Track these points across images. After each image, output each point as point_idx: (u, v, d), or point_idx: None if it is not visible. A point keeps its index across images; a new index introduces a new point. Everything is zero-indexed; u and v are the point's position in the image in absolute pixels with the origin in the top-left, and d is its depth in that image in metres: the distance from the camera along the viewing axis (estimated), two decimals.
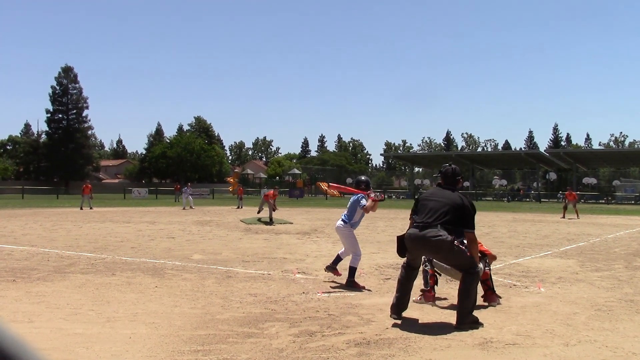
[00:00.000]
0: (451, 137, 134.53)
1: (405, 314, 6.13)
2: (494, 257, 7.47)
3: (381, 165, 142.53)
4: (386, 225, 20.71)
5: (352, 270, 8.09)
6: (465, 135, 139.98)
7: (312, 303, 6.89)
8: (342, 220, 8.41)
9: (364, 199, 8.23)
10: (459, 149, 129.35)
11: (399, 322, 5.91)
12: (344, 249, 8.58)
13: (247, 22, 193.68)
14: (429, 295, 6.95)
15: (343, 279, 8.25)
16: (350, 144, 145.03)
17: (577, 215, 28.00)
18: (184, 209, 33.72)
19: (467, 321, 5.68)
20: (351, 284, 8.00)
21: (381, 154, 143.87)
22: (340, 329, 5.62)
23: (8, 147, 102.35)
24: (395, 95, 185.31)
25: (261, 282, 8.41)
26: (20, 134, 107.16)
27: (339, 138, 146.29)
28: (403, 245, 6.21)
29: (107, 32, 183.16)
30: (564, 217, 27.90)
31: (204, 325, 5.74)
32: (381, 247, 13.35)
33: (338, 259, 8.57)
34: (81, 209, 32.40)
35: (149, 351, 4.82)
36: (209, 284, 8.17)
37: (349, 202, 8.51)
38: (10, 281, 8.29)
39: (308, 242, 14.49)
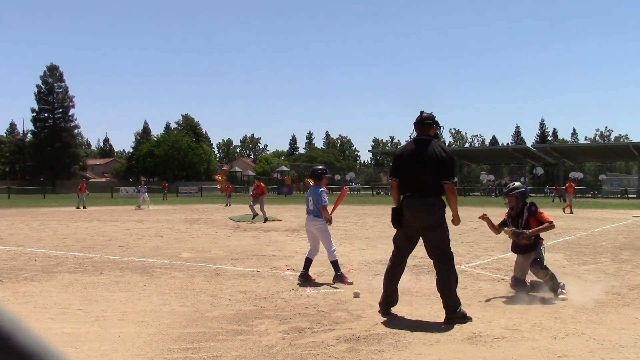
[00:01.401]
0: (440, 132, 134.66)
1: (395, 309, 6.15)
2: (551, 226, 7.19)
3: (369, 161, 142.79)
4: (375, 221, 20.74)
5: (336, 264, 8.12)
6: (453, 131, 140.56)
7: (301, 300, 6.89)
8: (314, 215, 8.30)
9: (324, 194, 8.28)
10: (447, 144, 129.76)
11: (388, 318, 5.93)
12: (311, 249, 8.41)
13: (236, 19, 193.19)
14: None
15: (326, 279, 8.25)
16: (339, 141, 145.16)
17: (571, 210, 27.57)
18: (139, 207, 32.44)
19: (455, 316, 5.70)
20: (340, 278, 8.03)
21: (369, 151, 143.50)
22: (329, 325, 5.63)
23: None
24: (383, 92, 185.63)
25: (250, 279, 8.40)
26: (6, 133, 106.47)
27: (327, 135, 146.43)
28: (399, 217, 6.11)
29: (93, 30, 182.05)
30: (571, 212, 27.15)
31: (193, 323, 5.73)
32: (370, 243, 13.37)
33: (309, 262, 8.32)
34: (78, 207, 32.41)
35: (138, 350, 4.81)
36: (198, 282, 8.15)
37: (311, 195, 8.36)
38: None
39: (297, 239, 14.50)
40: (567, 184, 30.11)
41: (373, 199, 50.97)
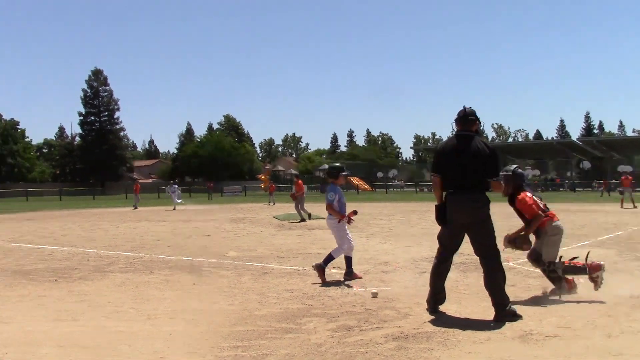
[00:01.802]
0: (481, 127, 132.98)
1: (442, 307, 6.11)
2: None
3: (411, 158, 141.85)
4: (419, 218, 20.61)
5: (329, 260, 8.10)
6: (495, 126, 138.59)
7: (348, 298, 6.91)
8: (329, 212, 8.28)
9: (331, 192, 8.21)
10: (490, 139, 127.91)
11: (436, 316, 5.89)
12: (345, 245, 8.26)
13: (275, 19, 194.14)
14: (570, 283, 6.82)
15: (372, 277, 8.24)
16: (380, 138, 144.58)
17: (633, 204, 25.84)
18: (174, 209, 31.93)
19: (505, 314, 5.62)
20: (320, 271, 8.00)
21: (411, 147, 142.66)
22: (377, 323, 5.63)
23: (44, 151, 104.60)
24: (424, 87, 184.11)
25: (297, 277, 8.45)
26: (55, 137, 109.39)
27: (368, 132, 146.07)
28: (443, 213, 6.02)
29: (136, 34, 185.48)
30: (634, 206, 25.71)
31: (242, 321, 5.80)
32: (415, 240, 13.29)
33: (348, 259, 8.24)
34: (135, 207, 33.49)
35: (190, 347, 4.90)
36: (245, 281, 8.25)
37: (327, 193, 8.32)
38: (53, 281, 8.49)
39: None
40: (623, 177, 28.86)
41: (416, 196, 50.62)
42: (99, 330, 5.52)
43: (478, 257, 6.00)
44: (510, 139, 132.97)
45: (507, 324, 5.46)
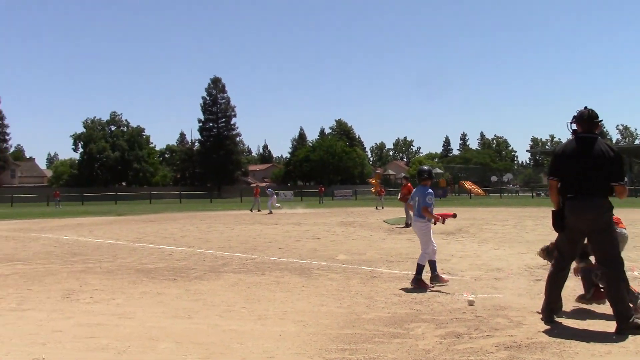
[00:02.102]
0: (604, 129, 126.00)
1: (558, 317, 5.83)
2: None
3: (527, 162, 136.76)
4: (535, 224, 19.78)
5: (420, 269, 7.92)
6: (620, 127, 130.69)
7: (458, 304, 6.75)
8: (418, 215, 8.19)
9: (430, 196, 8.11)
10: (614, 142, 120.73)
11: (551, 326, 5.62)
12: (430, 249, 8.11)
13: (385, 23, 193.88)
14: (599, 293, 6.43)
15: (483, 283, 8.00)
16: (494, 141, 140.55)
17: None
18: (270, 213, 31.93)
19: (628, 326, 5.27)
20: (418, 282, 7.84)
21: (527, 150, 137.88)
22: (488, 331, 5.46)
23: (166, 156, 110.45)
24: (541, 88, 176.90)
25: (406, 282, 8.36)
26: (177, 143, 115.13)
27: (482, 135, 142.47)
28: (560, 219, 5.76)
29: (251, 43, 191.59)
30: None
31: (350, 324, 5.82)
32: (530, 246, 12.75)
33: (432, 263, 8.09)
34: (258, 210, 34.73)
35: (298, 348, 4.97)
36: (354, 284, 8.27)
37: (418, 195, 8.23)
38: (171, 280, 8.93)
39: (453, 242, 14.21)
40: None
41: (532, 201, 48.62)
42: (213, 328, 5.74)
43: (599, 265, 5.68)
44: (637, 141, 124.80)
45: (630, 337, 5.12)
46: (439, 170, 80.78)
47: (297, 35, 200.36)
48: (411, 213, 8.41)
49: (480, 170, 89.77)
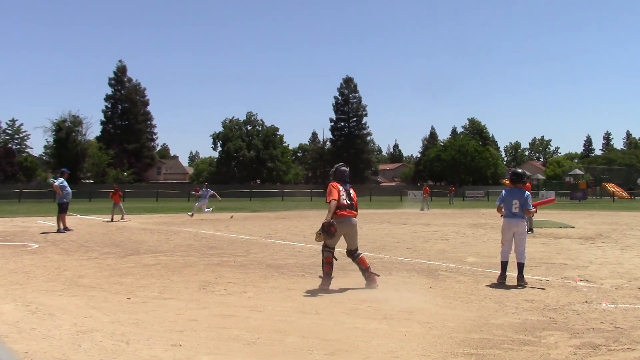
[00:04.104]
0: None
1: None
2: None
3: None
4: None
5: (521, 268, 8.37)
6: None
7: (595, 313, 6.36)
8: (521, 217, 8.52)
9: (530, 199, 8.53)
10: None
11: None
12: (507, 250, 8.58)
13: (519, 19, 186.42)
14: None
15: (625, 292, 7.47)
16: None
17: None
18: (191, 215, 26.69)
19: None
20: (521, 280, 8.18)
21: None
22: (629, 344, 5.10)
23: (298, 155, 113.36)
24: None
25: (539, 288, 8.02)
26: (309, 142, 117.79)
27: (628, 134, 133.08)
28: None
29: (382, 43, 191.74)
30: None
31: (477, 328, 5.67)
32: None
33: (521, 266, 8.39)
34: (422, 210, 35.49)
35: (423, 350, 4.93)
36: (483, 287, 8.06)
37: (517, 197, 8.52)
38: (300, 276, 9.16)
39: (592, 247, 13.41)
40: None
41: None
42: (338, 325, 5.82)
43: None
44: None
45: None
46: (578, 172, 76.33)
47: (429, 34, 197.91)
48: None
49: (625, 172, 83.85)
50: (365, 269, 8.14)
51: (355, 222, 8.29)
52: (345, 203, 8.16)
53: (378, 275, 8.14)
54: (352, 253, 8.30)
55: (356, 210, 8.32)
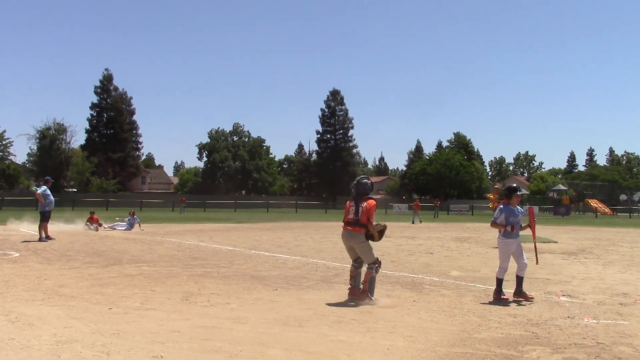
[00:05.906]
0: None
1: None
2: None
3: None
4: None
5: (520, 281, 8.41)
6: None
7: (577, 329, 6.39)
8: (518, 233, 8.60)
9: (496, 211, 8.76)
10: None
11: None
12: (504, 268, 8.53)
13: (505, 33, 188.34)
14: None
15: (607, 308, 7.52)
16: (624, 158, 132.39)
17: None
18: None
19: None
20: (520, 293, 8.27)
21: None
22: (610, 359, 5.12)
23: (284, 166, 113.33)
24: None
25: (522, 302, 8.04)
26: (295, 153, 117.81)
27: (611, 151, 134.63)
28: None
29: (369, 56, 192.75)
30: None
31: (460, 342, 5.68)
32: None
33: (519, 279, 8.46)
34: (413, 222, 36.47)
35: None
36: (466, 302, 8.07)
37: (521, 214, 8.66)
38: (284, 288, 9.12)
39: (575, 262, 13.49)
40: None
41: None
42: (321, 338, 5.79)
43: None
44: None
45: None
46: (561, 187, 76.90)
47: (417, 48, 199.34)
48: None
49: (608, 188, 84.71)
50: (361, 282, 8.05)
51: (355, 234, 8.22)
52: (350, 218, 8.30)
53: (371, 299, 7.96)
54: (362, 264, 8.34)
55: (363, 225, 8.18)
